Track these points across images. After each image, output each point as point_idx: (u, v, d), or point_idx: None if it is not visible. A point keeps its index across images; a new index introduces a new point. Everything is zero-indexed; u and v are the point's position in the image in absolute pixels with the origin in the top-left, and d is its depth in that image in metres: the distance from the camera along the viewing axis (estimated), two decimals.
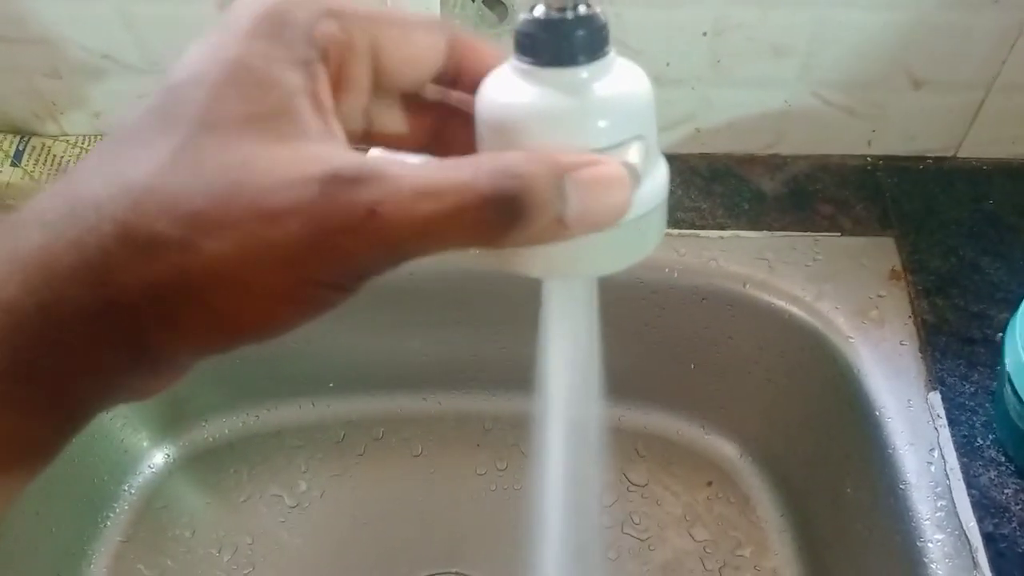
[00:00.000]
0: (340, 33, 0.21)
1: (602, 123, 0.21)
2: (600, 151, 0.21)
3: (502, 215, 0.19)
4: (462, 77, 0.24)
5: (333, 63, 0.21)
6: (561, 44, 0.21)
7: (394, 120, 0.24)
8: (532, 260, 0.22)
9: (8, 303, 0.18)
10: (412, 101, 0.24)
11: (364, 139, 0.24)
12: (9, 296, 0.18)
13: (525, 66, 0.22)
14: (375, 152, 0.21)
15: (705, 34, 0.55)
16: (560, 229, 0.20)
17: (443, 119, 0.25)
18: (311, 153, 0.19)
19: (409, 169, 0.18)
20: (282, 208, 0.18)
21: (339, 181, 0.18)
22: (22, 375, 0.18)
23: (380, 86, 0.23)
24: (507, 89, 0.22)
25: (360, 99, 0.22)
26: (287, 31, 0.20)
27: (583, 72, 0.21)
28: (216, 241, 0.18)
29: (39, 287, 0.18)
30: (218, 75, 0.19)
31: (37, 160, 0.65)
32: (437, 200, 0.18)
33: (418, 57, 0.23)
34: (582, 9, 0.21)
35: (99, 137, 0.66)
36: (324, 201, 0.18)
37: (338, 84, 0.21)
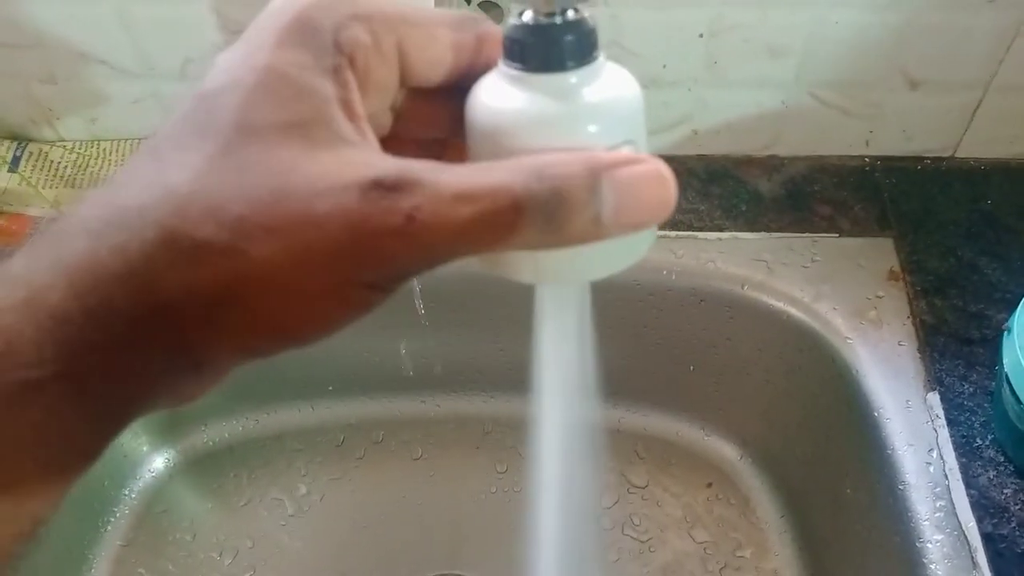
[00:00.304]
0: (366, 36, 0.21)
1: (592, 128, 0.21)
2: None
3: (537, 218, 0.19)
4: (489, 70, 0.24)
5: (360, 67, 0.21)
6: (550, 49, 0.21)
7: (418, 112, 0.24)
8: (524, 265, 0.22)
9: (54, 309, 0.18)
10: (436, 91, 0.24)
11: (390, 133, 0.24)
12: (55, 302, 0.18)
13: (514, 72, 0.22)
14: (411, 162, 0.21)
15: (701, 35, 0.55)
16: (597, 230, 0.20)
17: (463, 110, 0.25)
18: (350, 159, 0.19)
19: (447, 174, 0.19)
20: (325, 214, 0.18)
21: (379, 188, 0.18)
22: (69, 379, 0.19)
23: (405, 84, 0.23)
24: (496, 95, 0.22)
25: (387, 99, 0.23)
26: (315, 38, 0.20)
27: (572, 77, 0.21)
28: (261, 246, 0.18)
29: (84, 293, 0.18)
30: (253, 82, 0.20)
31: (35, 166, 0.65)
32: (473, 204, 0.18)
33: (443, 55, 0.23)
34: (570, 14, 0.21)
35: (97, 143, 0.66)
36: (365, 207, 0.18)
37: (365, 86, 0.21)
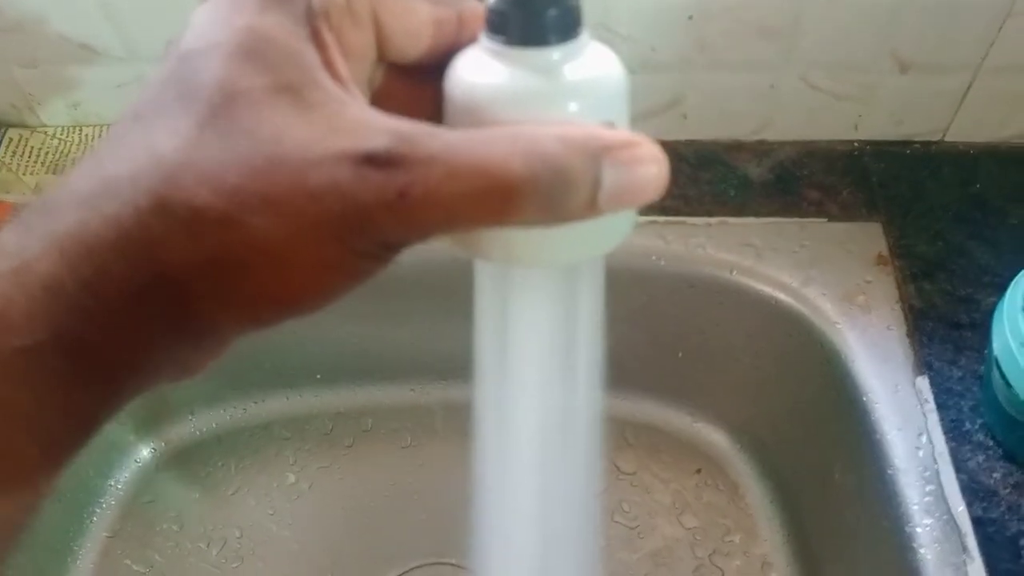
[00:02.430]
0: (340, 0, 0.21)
1: (572, 106, 0.21)
2: None
3: (533, 197, 0.19)
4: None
5: (334, 29, 0.21)
6: (532, 23, 0.21)
7: (397, 92, 0.24)
8: (495, 247, 0.22)
9: (44, 278, 0.18)
10: (417, 70, 0.24)
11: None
12: (46, 271, 0.18)
13: (495, 45, 0.21)
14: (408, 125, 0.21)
15: (691, 17, 0.54)
16: (591, 209, 0.19)
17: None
18: (341, 122, 0.19)
19: (441, 147, 0.18)
20: (319, 184, 0.18)
21: (371, 163, 0.18)
22: (67, 349, 0.18)
23: (383, 57, 0.23)
24: (476, 68, 0.22)
25: (363, 70, 0.22)
26: (291, 2, 0.20)
27: (554, 53, 0.21)
28: (259, 216, 0.18)
29: (78, 264, 0.18)
30: (236, 44, 0.19)
31: (15, 152, 0.64)
32: (466, 181, 0.18)
33: (422, 27, 0.23)
34: None
35: (79, 128, 0.65)
36: (357, 182, 0.18)
37: (341, 52, 0.21)
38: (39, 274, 0.18)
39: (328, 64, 0.20)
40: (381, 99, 0.23)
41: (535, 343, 0.26)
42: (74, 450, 0.20)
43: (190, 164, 0.18)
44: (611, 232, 0.22)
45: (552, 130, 0.19)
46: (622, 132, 0.20)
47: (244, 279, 0.19)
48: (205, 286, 0.19)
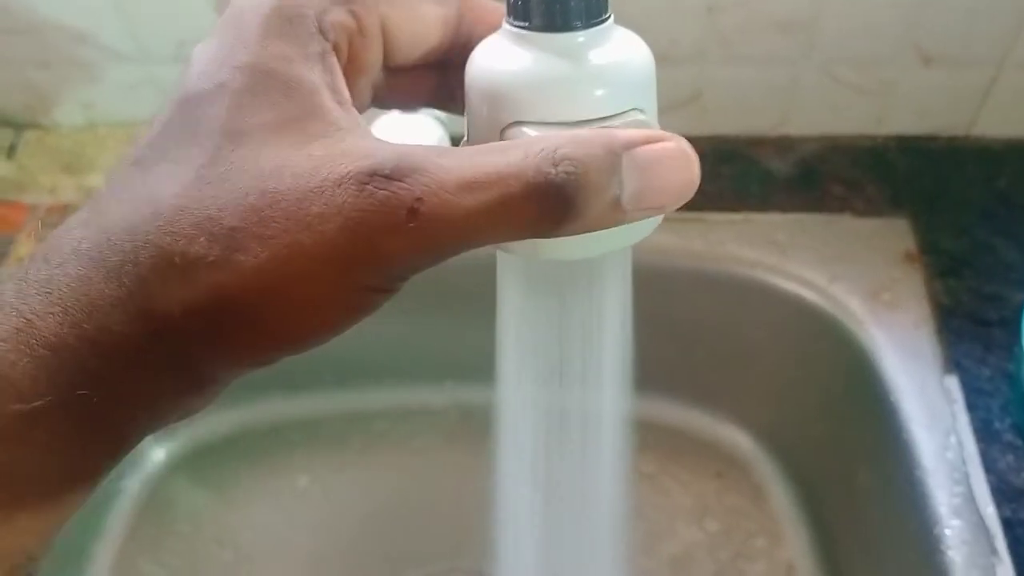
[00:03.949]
0: (350, 19, 0.20)
1: (599, 92, 0.20)
2: (595, 123, 0.20)
3: (553, 206, 0.18)
4: (473, 43, 0.23)
5: (344, 50, 0.20)
6: (556, 7, 0.20)
7: (397, 86, 0.24)
8: (521, 241, 0.21)
9: (47, 339, 0.17)
10: (414, 65, 0.24)
11: (371, 105, 0.24)
12: (50, 331, 0.17)
13: (518, 31, 0.21)
14: (413, 141, 0.20)
15: (710, 10, 0.54)
16: (617, 214, 0.18)
17: (444, 80, 0.24)
18: (343, 149, 0.18)
19: (451, 158, 0.18)
20: (319, 213, 0.17)
21: (376, 178, 0.17)
22: (67, 409, 0.18)
23: (388, 62, 0.22)
24: (498, 55, 0.21)
25: (370, 79, 0.22)
26: (298, 25, 0.20)
27: (579, 37, 0.20)
28: (254, 256, 0.17)
29: (80, 320, 0.18)
30: (239, 83, 0.19)
31: (31, 153, 0.64)
32: (481, 193, 0.17)
33: (426, 31, 0.22)
34: None
35: (93, 129, 0.65)
36: (362, 201, 0.17)
37: (350, 69, 0.21)
38: (43, 333, 0.17)
39: (332, 89, 0.20)
40: (379, 95, 0.24)
41: (557, 339, 0.25)
42: (73, 507, 0.19)
43: (188, 209, 0.18)
44: (635, 225, 0.22)
45: (567, 134, 0.18)
46: (642, 131, 0.19)
47: (242, 322, 0.18)
48: (205, 334, 0.18)
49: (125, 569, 0.62)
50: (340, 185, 0.17)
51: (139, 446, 0.63)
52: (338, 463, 0.67)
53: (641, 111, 0.21)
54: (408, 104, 0.25)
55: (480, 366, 0.71)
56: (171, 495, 0.66)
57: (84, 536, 0.62)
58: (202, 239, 0.17)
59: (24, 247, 0.57)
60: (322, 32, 0.20)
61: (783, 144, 0.61)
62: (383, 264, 0.18)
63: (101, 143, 0.64)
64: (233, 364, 0.19)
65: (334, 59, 0.20)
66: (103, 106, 0.64)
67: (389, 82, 0.23)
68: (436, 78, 0.24)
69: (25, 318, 0.18)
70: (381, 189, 0.17)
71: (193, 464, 0.67)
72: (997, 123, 0.60)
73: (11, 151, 0.64)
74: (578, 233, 0.18)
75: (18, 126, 0.65)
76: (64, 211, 0.60)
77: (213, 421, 0.68)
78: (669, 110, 0.63)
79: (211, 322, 0.18)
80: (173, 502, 0.66)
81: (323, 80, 0.19)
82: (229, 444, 0.68)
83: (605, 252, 0.22)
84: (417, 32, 0.22)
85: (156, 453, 0.67)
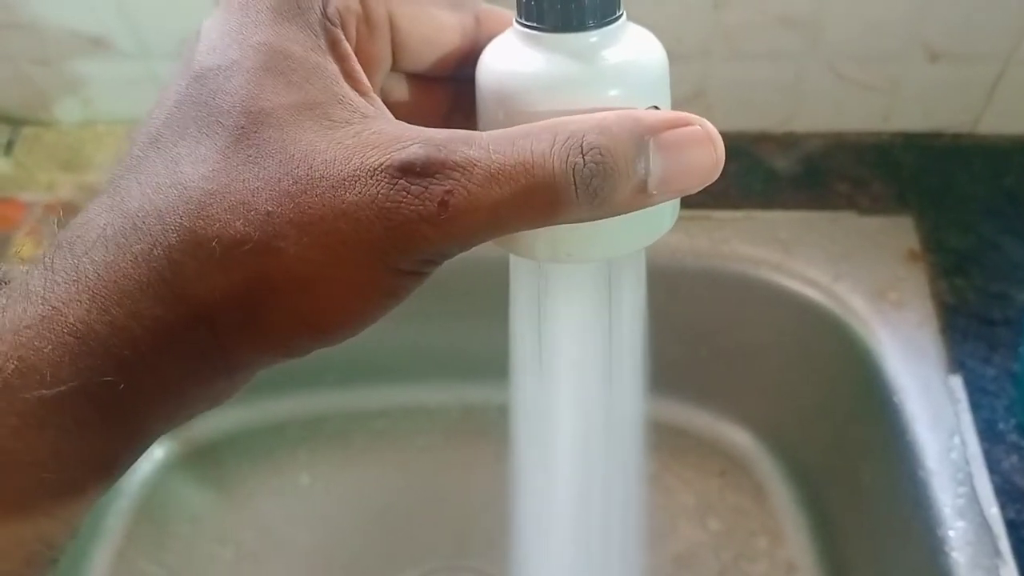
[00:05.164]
0: (356, 5, 0.20)
1: (613, 92, 0.20)
2: None
3: (579, 192, 0.18)
4: None
5: (352, 38, 0.20)
6: (568, 7, 0.20)
7: (413, 98, 0.24)
8: (539, 244, 0.21)
9: (73, 327, 0.17)
10: (429, 75, 0.23)
11: None
12: (75, 317, 0.17)
13: (529, 31, 0.20)
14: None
15: (715, 6, 0.54)
16: (643, 198, 0.19)
17: (460, 92, 0.24)
18: (371, 138, 0.18)
19: (479, 148, 0.18)
20: (355, 203, 0.17)
21: (408, 172, 0.17)
22: (93, 397, 0.18)
23: (398, 65, 0.22)
24: (510, 56, 0.21)
25: (379, 75, 0.22)
26: (307, 11, 0.19)
27: (592, 37, 0.20)
28: (294, 242, 0.17)
29: (108, 306, 0.17)
30: (254, 62, 0.19)
31: (29, 150, 0.64)
32: (509, 183, 0.17)
33: (437, 35, 0.22)
34: None
35: (92, 125, 0.65)
36: (396, 194, 0.17)
37: (357, 59, 0.20)
38: (68, 320, 0.17)
39: (348, 76, 0.19)
40: (394, 107, 0.23)
41: (573, 340, 0.25)
42: (93, 498, 0.19)
43: (219, 193, 0.18)
44: (653, 223, 0.21)
45: (592, 119, 0.18)
46: (667, 112, 0.19)
47: (280, 309, 0.18)
48: (239, 320, 0.18)
49: (125, 569, 0.62)
50: (373, 176, 0.17)
51: None
52: (340, 461, 0.67)
53: (658, 108, 0.20)
54: (417, 121, 0.25)
55: (481, 364, 0.71)
56: (171, 494, 0.66)
57: (83, 536, 0.62)
58: (238, 223, 0.17)
59: (22, 246, 0.57)
60: (329, 18, 0.20)
61: (788, 141, 0.61)
62: (416, 250, 0.18)
63: (100, 140, 0.64)
64: (266, 352, 0.19)
65: (346, 46, 0.20)
66: (102, 103, 0.63)
67: (396, 90, 0.23)
68: (453, 88, 0.24)
69: (52, 306, 0.17)
70: (414, 184, 0.17)
71: (194, 463, 0.67)
72: (1003, 120, 0.59)
73: (8, 148, 0.64)
74: (605, 217, 0.19)
75: (16, 122, 0.65)
76: (62, 209, 0.60)
77: (214, 419, 0.68)
78: (674, 106, 0.62)
79: (247, 310, 0.18)
80: (173, 501, 0.65)
81: (339, 68, 0.19)
82: (230, 442, 0.67)
83: (620, 255, 0.22)
84: (428, 35, 0.22)
85: (156, 451, 0.67)
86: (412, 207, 0.17)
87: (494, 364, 0.69)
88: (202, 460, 0.67)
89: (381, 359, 0.66)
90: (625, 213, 0.19)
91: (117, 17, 0.57)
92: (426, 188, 0.17)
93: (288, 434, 0.68)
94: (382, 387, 0.68)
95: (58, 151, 0.63)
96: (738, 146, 0.61)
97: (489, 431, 0.67)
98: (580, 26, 0.20)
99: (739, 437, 0.64)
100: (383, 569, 0.62)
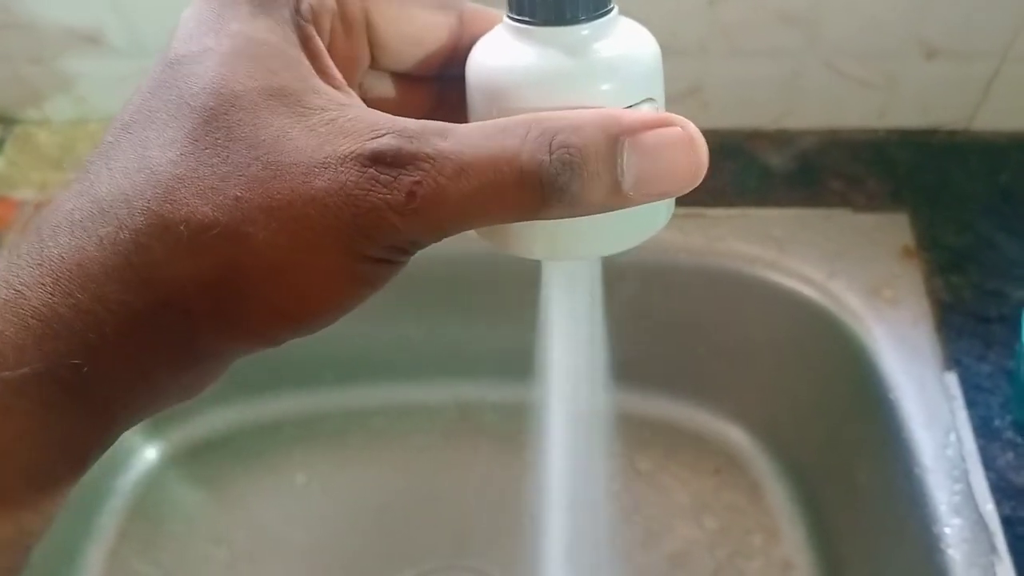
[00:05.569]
0: (331, 3, 0.20)
1: (605, 86, 0.20)
2: None
3: (548, 190, 0.18)
4: None
5: (326, 34, 0.20)
6: (560, 0, 0.20)
7: (391, 94, 0.23)
8: (532, 240, 0.21)
9: (37, 310, 0.17)
10: (412, 74, 0.23)
11: None
12: (39, 301, 0.17)
13: (520, 25, 0.20)
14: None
15: (711, 2, 0.53)
16: (618, 199, 0.18)
17: (444, 92, 0.24)
18: (343, 125, 0.18)
19: (451, 140, 0.18)
20: (323, 189, 0.17)
21: (378, 162, 0.17)
22: (59, 380, 0.17)
23: (379, 64, 0.22)
24: (500, 51, 0.20)
25: (356, 74, 0.22)
26: (280, 6, 0.19)
27: (583, 30, 0.20)
28: (263, 227, 0.17)
29: (72, 290, 0.17)
30: (228, 47, 0.19)
31: (21, 149, 0.63)
32: (477, 177, 0.17)
33: (419, 35, 0.22)
34: None
35: (84, 124, 0.64)
36: (364, 182, 0.17)
37: (332, 56, 0.20)
38: (32, 304, 0.17)
39: (321, 72, 0.19)
40: (375, 106, 0.23)
41: (563, 338, 0.25)
42: (66, 487, 0.19)
43: (187, 178, 0.17)
44: (643, 222, 0.21)
45: (568, 116, 0.18)
46: (647, 113, 0.19)
47: (250, 296, 0.18)
48: (208, 306, 0.18)
49: (118, 569, 0.61)
50: (343, 163, 0.17)
51: (132, 444, 0.62)
52: (336, 460, 0.66)
53: (652, 102, 0.20)
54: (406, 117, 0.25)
55: (479, 363, 0.71)
56: (165, 493, 0.65)
57: (76, 535, 0.62)
58: (206, 208, 0.17)
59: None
60: (301, 15, 0.20)
61: (783, 138, 0.61)
62: (382, 237, 0.18)
63: (92, 138, 0.64)
64: (236, 341, 0.19)
65: (319, 43, 0.20)
66: (94, 100, 0.63)
67: (377, 88, 0.23)
68: (437, 88, 0.23)
69: (15, 289, 0.17)
70: (383, 173, 0.17)
71: (188, 462, 0.66)
72: (999, 117, 0.59)
73: (0, 146, 0.63)
74: (581, 215, 0.18)
75: (7, 121, 0.64)
76: None
77: (208, 418, 0.68)
78: (669, 104, 0.62)
79: (216, 296, 0.18)
80: (167, 501, 0.65)
81: (312, 64, 0.19)
82: (225, 441, 0.67)
83: (606, 253, 0.22)
84: (410, 34, 0.22)
85: (149, 451, 0.66)
86: (380, 195, 0.17)
87: (491, 363, 0.70)
88: (197, 459, 0.67)
89: (378, 357, 0.66)
90: (602, 212, 0.18)
91: (111, 13, 0.57)
92: (395, 178, 0.17)
93: (283, 433, 0.67)
94: (379, 386, 0.68)
95: (50, 149, 0.63)
96: (733, 143, 0.61)
97: (485, 430, 0.67)
98: (571, 20, 0.20)
99: (734, 435, 0.64)
100: (380, 569, 0.62)
